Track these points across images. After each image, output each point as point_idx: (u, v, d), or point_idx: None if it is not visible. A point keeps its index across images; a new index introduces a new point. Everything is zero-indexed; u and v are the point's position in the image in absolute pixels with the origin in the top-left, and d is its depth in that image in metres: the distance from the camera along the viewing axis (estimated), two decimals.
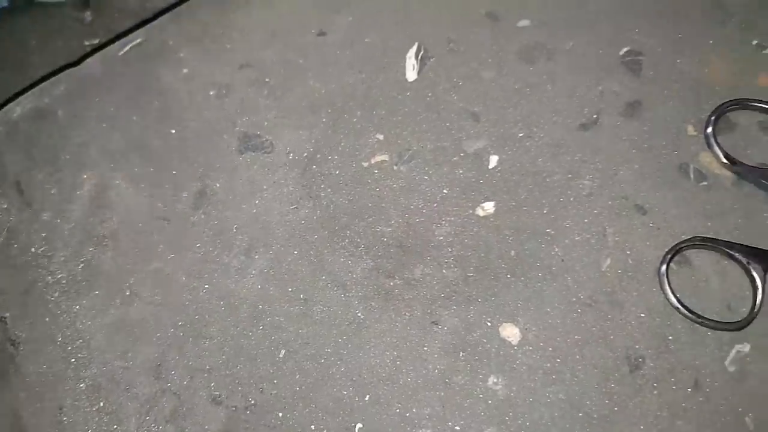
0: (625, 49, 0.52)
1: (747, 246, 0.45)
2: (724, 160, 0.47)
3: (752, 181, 0.47)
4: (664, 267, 0.45)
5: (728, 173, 0.48)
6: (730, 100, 0.49)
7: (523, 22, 0.54)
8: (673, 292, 0.44)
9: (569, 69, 0.52)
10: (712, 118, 0.49)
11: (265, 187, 0.50)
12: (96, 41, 0.59)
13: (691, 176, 0.48)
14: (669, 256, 0.45)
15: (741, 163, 0.47)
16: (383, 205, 0.49)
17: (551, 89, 0.51)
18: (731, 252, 0.45)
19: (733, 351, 0.43)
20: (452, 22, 0.54)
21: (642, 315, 0.45)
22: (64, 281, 0.49)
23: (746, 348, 0.43)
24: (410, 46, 0.54)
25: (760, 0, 0.53)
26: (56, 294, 0.49)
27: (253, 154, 0.51)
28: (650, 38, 0.52)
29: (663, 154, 0.49)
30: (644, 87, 0.51)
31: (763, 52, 0.51)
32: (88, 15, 0.59)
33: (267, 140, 0.52)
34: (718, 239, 0.46)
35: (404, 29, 0.54)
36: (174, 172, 0.51)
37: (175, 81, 0.54)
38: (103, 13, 0.59)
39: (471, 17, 0.54)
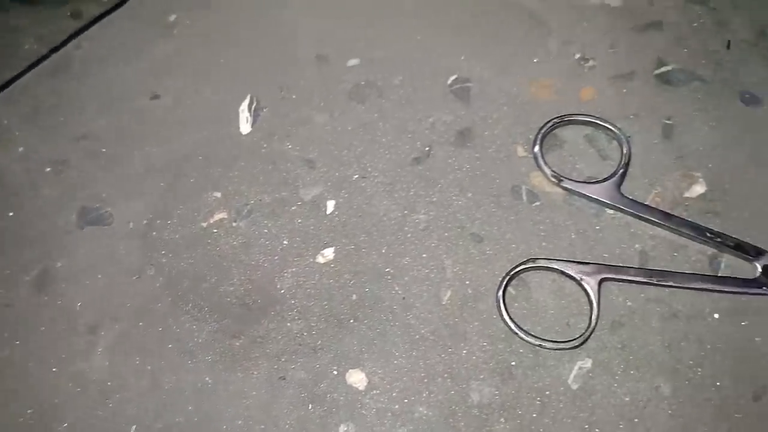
0: (453, 77, 0.53)
1: (579, 262, 0.46)
2: (552, 179, 0.48)
3: (582, 196, 0.48)
4: (500, 293, 0.45)
5: (559, 190, 0.48)
6: (555, 117, 0.50)
7: (353, 61, 0.54)
8: (511, 318, 0.45)
9: (399, 104, 0.52)
10: (539, 136, 0.49)
11: (106, 260, 0.49)
12: None
13: (524, 198, 0.49)
14: (505, 281, 0.46)
15: (568, 179, 0.48)
16: (224, 264, 0.48)
17: (383, 126, 0.51)
18: (564, 270, 0.46)
19: (576, 368, 0.44)
20: (283, 69, 0.54)
21: (485, 344, 0.45)
22: None
23: (588, 363, 0.44)
24: (243, 99, 0.53)
25: (578, 14, 0.54)
26: None
27: (93, 227, 0.51)
28: (476, 63, 0.53)
29: (496, 178, 0.49)
30: (474, 113, 0.51)
31: (585, 65, 0.52)
32: None
33: (106, 212, 0.51)
34: (551, 258, 0.46)
35: (236, 82, 0.54)
36: (14, 256, 0.50)
37: (11, 162, 0.53)
38: None
39: (301, 62, 0.54)
